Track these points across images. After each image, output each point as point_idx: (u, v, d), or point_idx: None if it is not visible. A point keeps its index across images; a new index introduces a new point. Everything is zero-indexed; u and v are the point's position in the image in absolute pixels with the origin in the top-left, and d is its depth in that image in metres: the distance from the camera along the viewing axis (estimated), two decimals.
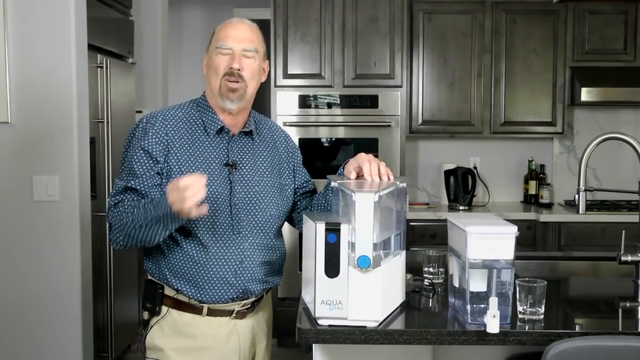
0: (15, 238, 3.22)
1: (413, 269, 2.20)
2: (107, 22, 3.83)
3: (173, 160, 1.96)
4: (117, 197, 1.96)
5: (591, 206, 4.28)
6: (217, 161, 2.00)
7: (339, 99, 4.32)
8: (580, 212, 2.26)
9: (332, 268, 1.71)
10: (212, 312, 2.00)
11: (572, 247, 4.17)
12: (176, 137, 1.97)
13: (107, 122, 3.68)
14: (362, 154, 2.02)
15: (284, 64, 4.32)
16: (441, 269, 2.19)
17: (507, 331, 1.71)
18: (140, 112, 4.21)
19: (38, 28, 3.16)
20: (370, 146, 4.23)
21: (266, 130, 2.16)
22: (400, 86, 4.32)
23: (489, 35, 4.45)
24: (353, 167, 2.01)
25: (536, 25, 4.45)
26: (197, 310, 2.00)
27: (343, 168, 2.08)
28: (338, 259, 1.71)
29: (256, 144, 2.09)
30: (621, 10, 4.43)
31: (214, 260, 1.96)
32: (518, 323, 1.77)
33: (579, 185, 2.24)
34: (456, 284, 1.86)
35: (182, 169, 1.95)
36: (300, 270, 2.22)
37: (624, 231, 2.15)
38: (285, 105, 4.32)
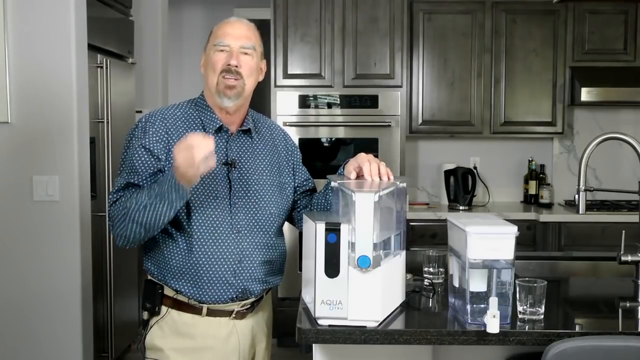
0: (15, 238, 3.22)
1: (413, 269, 2.20)
2: (107, 22, 3.83)
3: (172, 161, 1.95)
4: (119, 193, 1.95)
5: (591, 206, 4.28)
6: (216, 160, 1.99)
7: (339, 99, 4.32)
8: (580, 212, 2.26)
9: (332, 268, 1.71)
10: (211, 313, 2.00)
11: (572, 247, 4.17)
12: (176, 136, 1.97)
13: (107, 122, 3.68)
14: (362, 154, 2.02)
15: (284, 64, 4.32)
16: (441, 269, 2.19)
17: (507, 331, 1.71)
18: (140, 112, 4.21)
19: (38, 28, 3.16)
20: (370, 146, 4.23)
21: (265, 129, 2.16)
22: (400, 86, 4.32)
23: (489, 35, 4.45)
24: (353, 167, 2.01)
25: (536, 25, 4.45)
26: (196, 311, 2.00)
27: (343, 168, 2.08)
28: (338, 259, 1.71)
29: (255, 142, 2.10)
30: (621, 10, 4.43)
31: (213, 259, 1.96)
32: (518, 323, 1.77)
33: (579, 185, 2.24)
34: (456, 284, 1.86)
35: None
36: (300, 270, 2.22)
37: (624, 231, 2.15)
38: (285, 105, 4.32)
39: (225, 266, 1.97)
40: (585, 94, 4.29)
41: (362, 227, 1.69)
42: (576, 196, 2.25)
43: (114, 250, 3.73)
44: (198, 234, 1.95)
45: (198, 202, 1.95)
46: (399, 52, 4.30)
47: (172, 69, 5.47)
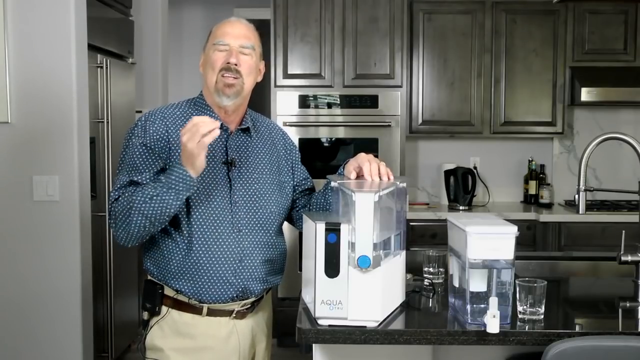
0: (15, 238, 3.22)
1: (413, 269, 2.20)
2: (107, 22, 3.83)
3: (174, 158, 1.95)
4: (120, 190, 1.94)
5: (591, 206, 4.28)
6: (215, 159, 2.00)
7: (339, 99, 4.32)
8: (580, 212, 2.26)
9: (332, 268, 1.71)
10: (211, 312, 2.00)
11: (572, 247, 4.17)
12: (176, 135, 1.97)
13: (107, 122, 3.68)
14: (362, 154, 2.02)
15: (284, 64, 4.32)
16: (441, 269, 2.19)
17: (507, 331, 1.71)
18: (140, 112, 4.21)
19: (38, 28, 3.16)
20: (370, 146, 4.23)
21: (264, 128, 2.16)
22: (400, 86, 4.32)
23: (489, 35, 4.45)
24: (353, 167, 2.01)
25: (536, 25, 4.45)
26: (196, 311, 2.00)
27: (343, 168, 2.08)
28: (338, 259, 1.71)
29: (254, 141, 2.10)
30: (621, 10, 4.43)
31: (213, 259, 1.96)
32: (518, 323, 1.77)
33: (579, 185, 2.24)
34: (456, 284, 1.86)
35: None
36: (300, 270, 2.22)
37: (624, 231, 2.15)
38: (285, 105, 4.32)
39: (226, 265, 1.97)
40: (585, 94, 4.29)
41: (362, 227, 1.69)
42: (576, 196, 2.25)
43: (114, 250, 3.73)
44: (198, 233, 1.95)
45: (198, 201, 1.95)
46: (399, 52, 4.30)
47: (172, 69, 5.47)
